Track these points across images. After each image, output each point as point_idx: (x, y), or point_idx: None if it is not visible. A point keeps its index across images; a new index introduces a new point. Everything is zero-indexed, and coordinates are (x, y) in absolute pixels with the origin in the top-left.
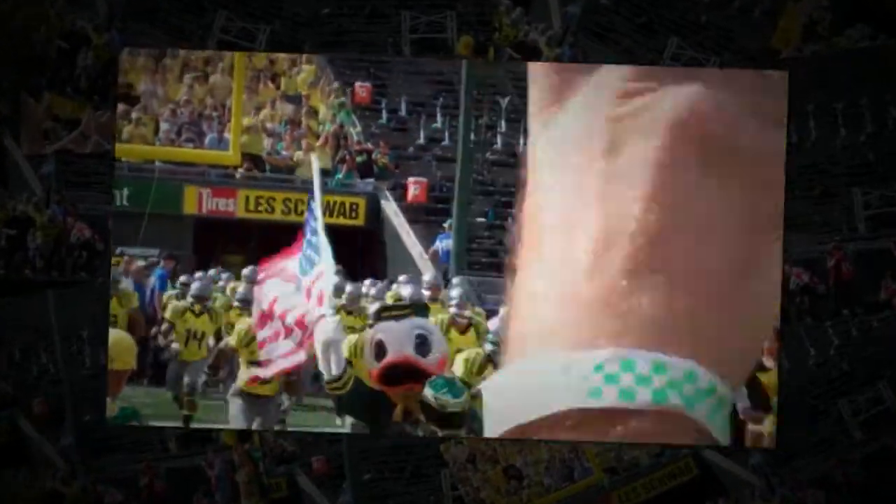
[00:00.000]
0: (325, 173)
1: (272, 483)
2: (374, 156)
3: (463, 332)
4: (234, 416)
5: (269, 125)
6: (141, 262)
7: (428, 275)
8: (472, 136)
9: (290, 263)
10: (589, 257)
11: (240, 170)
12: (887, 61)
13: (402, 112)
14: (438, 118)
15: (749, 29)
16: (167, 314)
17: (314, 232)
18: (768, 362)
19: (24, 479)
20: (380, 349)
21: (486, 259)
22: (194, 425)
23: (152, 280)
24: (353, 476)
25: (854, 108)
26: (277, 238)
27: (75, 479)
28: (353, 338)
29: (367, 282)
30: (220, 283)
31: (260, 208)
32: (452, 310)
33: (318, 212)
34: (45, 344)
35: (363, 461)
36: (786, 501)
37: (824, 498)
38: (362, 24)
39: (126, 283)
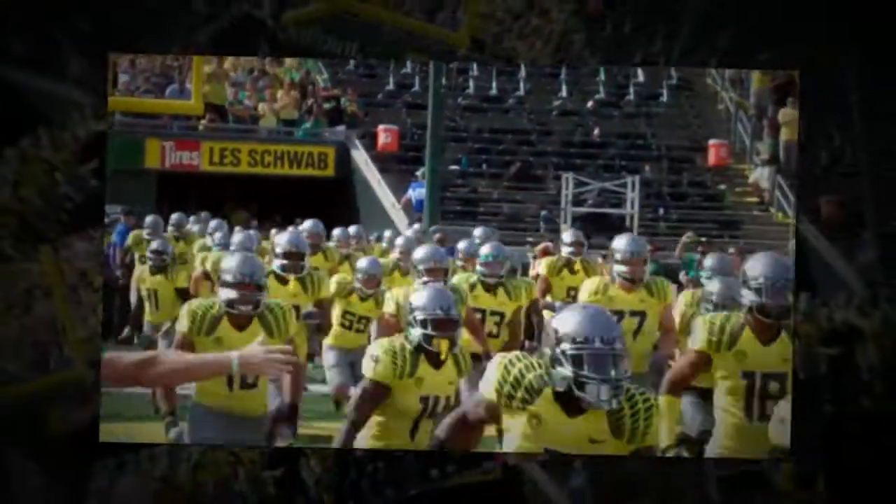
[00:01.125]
0: (290, 123)
1: None
2: (342, 103)
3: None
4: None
5: (231, 74)
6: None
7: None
8: (444, 81)
9: None
10: None
11: (202, 121)
12: None
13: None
14: (408, 63)
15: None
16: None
17: None
18: None
19: None
20: None
21: (461, 208)
22: None
23: (113, 237)
24: None
25: None
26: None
27: None
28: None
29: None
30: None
31: (225, 161)
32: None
33: None
34: None
35: None
36: None
37: None
38: None
39: None
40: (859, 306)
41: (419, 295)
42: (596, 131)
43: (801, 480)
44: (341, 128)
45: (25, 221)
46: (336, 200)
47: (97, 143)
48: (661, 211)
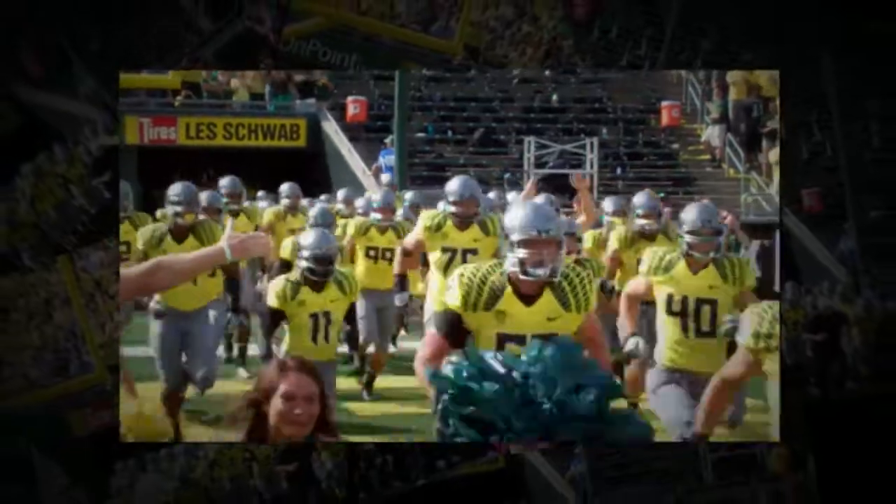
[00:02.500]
0: (260, 97)
1: None
2: (313, 76)
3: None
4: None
5: None
6: None
7: None
8: None
9: None
10: None
11: (178, 98)
12: None
13: None
14: None
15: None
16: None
17: None
18: None
19: None
20: None
21: (428, 173)
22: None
23: None
24: None
25: None
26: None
27: None
28: None
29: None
30: None
31: (201, 135)
32: None
33: None
34: None
35: None
36: None
37: None
38: None
39: None
40: (842, 293)
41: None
42: (555, 97)
43: (791, 462)
44: (312, 100)
45: (43, 234)
46: (309, 169)
47: (109, 157)
48: (619, 170)
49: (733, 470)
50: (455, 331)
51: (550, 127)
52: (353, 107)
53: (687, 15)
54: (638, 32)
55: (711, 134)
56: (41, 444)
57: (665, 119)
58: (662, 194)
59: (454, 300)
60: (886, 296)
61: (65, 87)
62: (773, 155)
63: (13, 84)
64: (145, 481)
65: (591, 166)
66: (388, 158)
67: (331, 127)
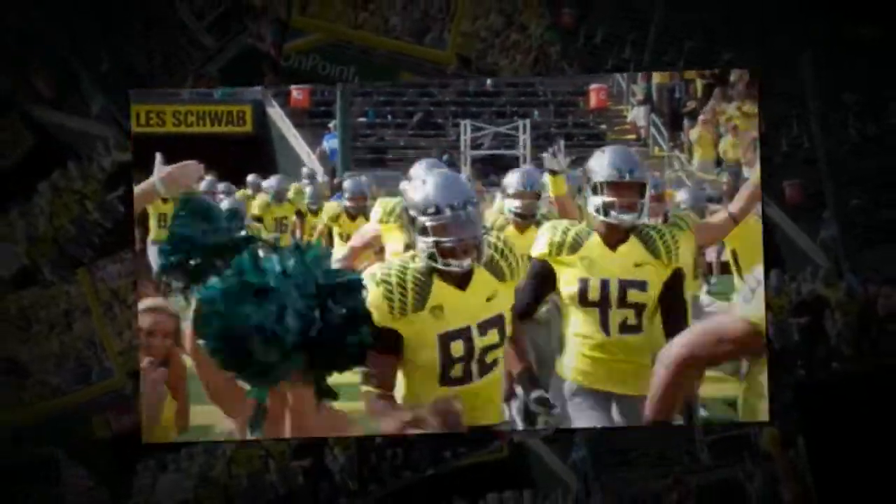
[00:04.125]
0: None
1: None
2: None
3: None
4: None
5: None
6: None
7: None
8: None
9: None
10: None
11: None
12: None
13: None
14: None
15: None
16: None
17: None
18: None
19: None
20: None
21: (371, 156)
22: None
23: None
24: None
25: None
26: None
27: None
28: None
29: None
30: None
31: (151, 122)
32: None
33: None
34: None
35: None
36: None
37: None
38: None
39: None
40: (824, 278)
41: None
42: (488, 81)
43: (782, 441)
44: (257, 87)
45: (61, 248)
46: (256, 154)
47: (122, 172)
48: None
49: (728, 451)
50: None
51: (485, 110)
52: (297, 93)
53: (669, 18)
54: (622, 37)
55: (637, 115)
56: (66, 448)
57: (593, 101)
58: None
59: (541, 247)
60: (866, 280)
61: (77, 107)
62: (694, 133)
63: (27, 105)
64: (165, 480)
65: (524, 147)
66: (331, 142)
67: (276, 113)
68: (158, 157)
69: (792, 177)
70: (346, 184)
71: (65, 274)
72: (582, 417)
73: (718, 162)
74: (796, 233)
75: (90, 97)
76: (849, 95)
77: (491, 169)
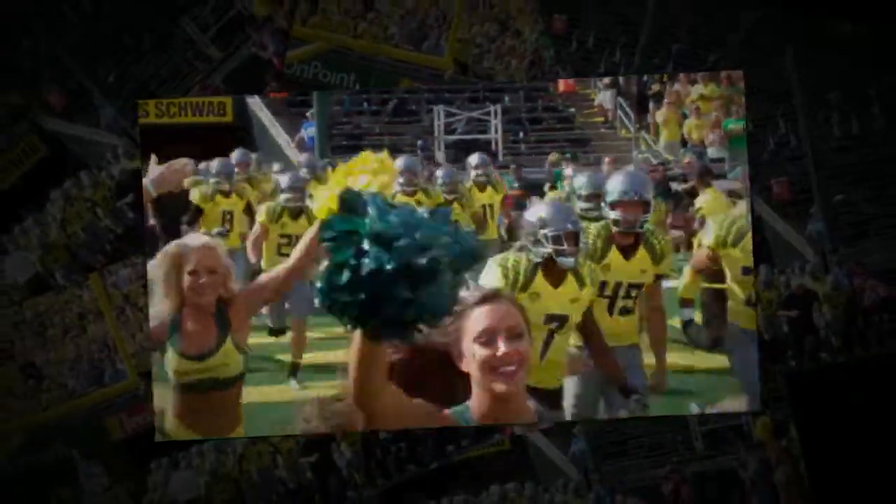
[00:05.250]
0: None
1: None
2: None
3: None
4: None
5: None
6: None
7: None
8: None
9: None
10: None
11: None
12: None
13: None
14: None
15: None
16: None
17: None
18: None
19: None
20: None
21: (347, 142)
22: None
23: None
24: None
25: None
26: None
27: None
28: None
29: None
30: None
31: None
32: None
33: None
34: None
35: None
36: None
37: None
38: None
39: None
40: (812, 272)
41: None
42: None
43: (775, 430)
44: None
45: (74, 254)
46: (238, 142)
47: (131, 179)
48: (521, 134)
49: (722, 440)
50: None
51: (458, 96)
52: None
53: (658, 23)
54: (613, 41)
55: (604, 98)
56: (82, 449)
57: (561, 86)
58: (569, 154)
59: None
60: (852, 272)
61: (87, 118)
62: (660, 115)
63: (39, 117)
64: (178, 477)
65: (496, 131)
66: (309, 130)
67: (255, 103)
68: (153, 158)
69: (779, 174)
70: (286, 179)
71: (78, 279)
72: None
73: (684, 143)
74: (784, 228)
75: (99, 108)
76: (833, 95)
77: (464, 153)
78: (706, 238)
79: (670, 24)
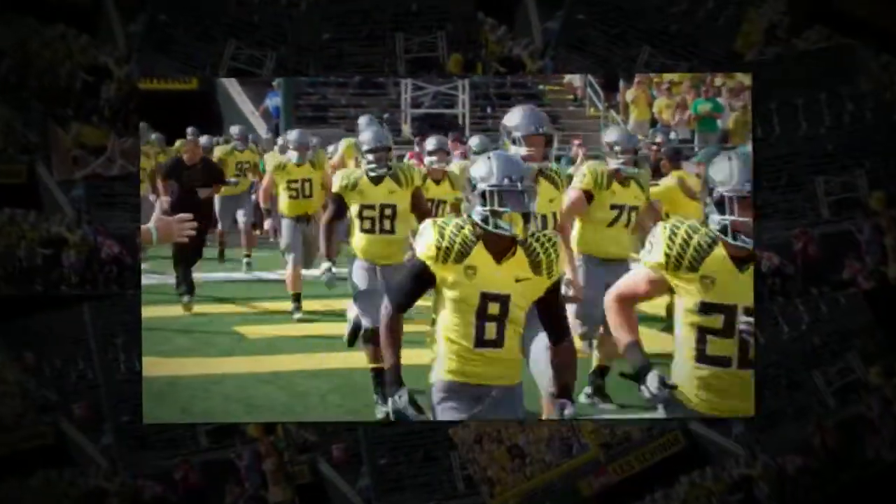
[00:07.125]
0: None
1: (296, 470)
2: None
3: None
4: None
5: None
6: None
7: None
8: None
9: None
10: None
11: None
12: (841, 60)
13: None
14: None
15: (715, 35)
16: None
17: None
18: None
19: (68, 477)
20: None
21: (312, 114)
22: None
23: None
24: (370, 461)
25: (813, 104)
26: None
27: (116, 476)
28: None
29: None
30: None
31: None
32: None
33: None
34: (82, 353)
35: (379, 446)
36: (767, 467)
37: (802, 462)
38: (360, 46)
39: None
40: None
41: None
42: None
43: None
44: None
45: None
46: (202, 110)
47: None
48: (489, 110)
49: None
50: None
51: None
52: None
53: (657, 24)
54: (615, 41)
55: (573, 76)
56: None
57: None
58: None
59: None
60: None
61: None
62: (630, 94)
63: None
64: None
65: (463, 106)
66: (274, 100)
67: None
68: (158, 203)
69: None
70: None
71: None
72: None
73: (653, 122)
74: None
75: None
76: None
77: (430, 128)
78: (649, 255)
79: (669, 25)
